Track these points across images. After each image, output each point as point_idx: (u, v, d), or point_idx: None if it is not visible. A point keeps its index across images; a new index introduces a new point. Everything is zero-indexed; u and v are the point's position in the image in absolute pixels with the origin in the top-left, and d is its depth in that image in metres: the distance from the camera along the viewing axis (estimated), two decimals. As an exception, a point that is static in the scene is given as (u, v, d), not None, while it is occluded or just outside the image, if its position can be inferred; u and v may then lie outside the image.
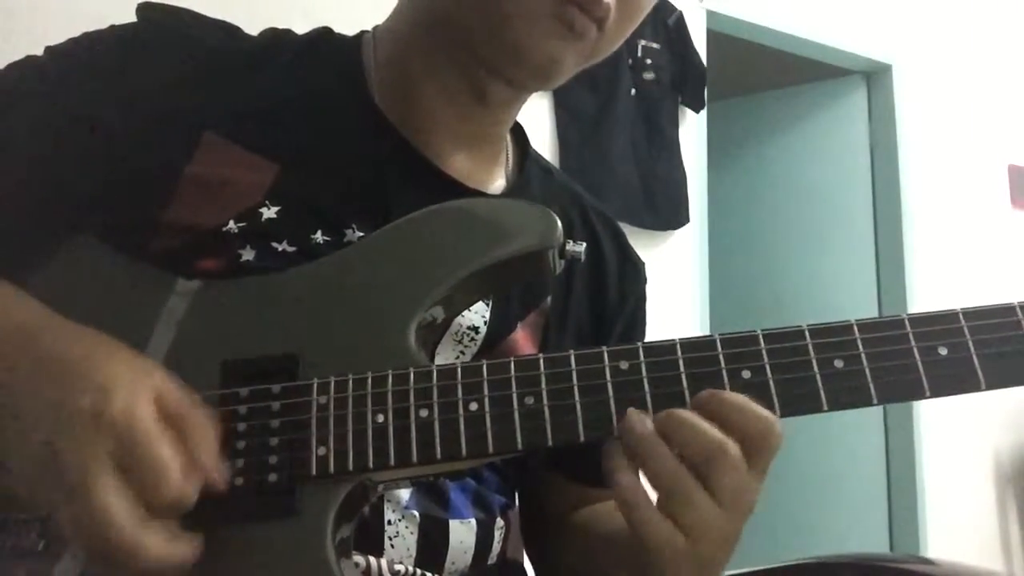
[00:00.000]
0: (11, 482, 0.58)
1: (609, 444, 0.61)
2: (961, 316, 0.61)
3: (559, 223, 0.69)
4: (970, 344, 0.60)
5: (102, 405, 0.56)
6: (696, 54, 3.38)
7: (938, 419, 3.73)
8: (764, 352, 0.61)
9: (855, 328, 0.61)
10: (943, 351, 0.60)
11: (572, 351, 0.63)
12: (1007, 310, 0.61)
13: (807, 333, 0.61)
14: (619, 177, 3.12)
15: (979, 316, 0.61)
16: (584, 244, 0.71)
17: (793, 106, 4.30)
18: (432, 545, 0.75)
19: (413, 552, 0.74)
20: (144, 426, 0.56)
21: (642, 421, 0.60)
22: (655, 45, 3.29)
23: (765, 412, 0.59)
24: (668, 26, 3.32)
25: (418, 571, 0.74)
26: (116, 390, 0.57)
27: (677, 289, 3.21)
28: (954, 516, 3.77)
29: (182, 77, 0.77)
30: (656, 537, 0.59)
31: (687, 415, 0.59)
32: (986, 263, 4.03)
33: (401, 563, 0.73)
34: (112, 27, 0.80)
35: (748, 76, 4.24)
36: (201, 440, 0.59)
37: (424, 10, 0.80)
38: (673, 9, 3.32)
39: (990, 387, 0.59)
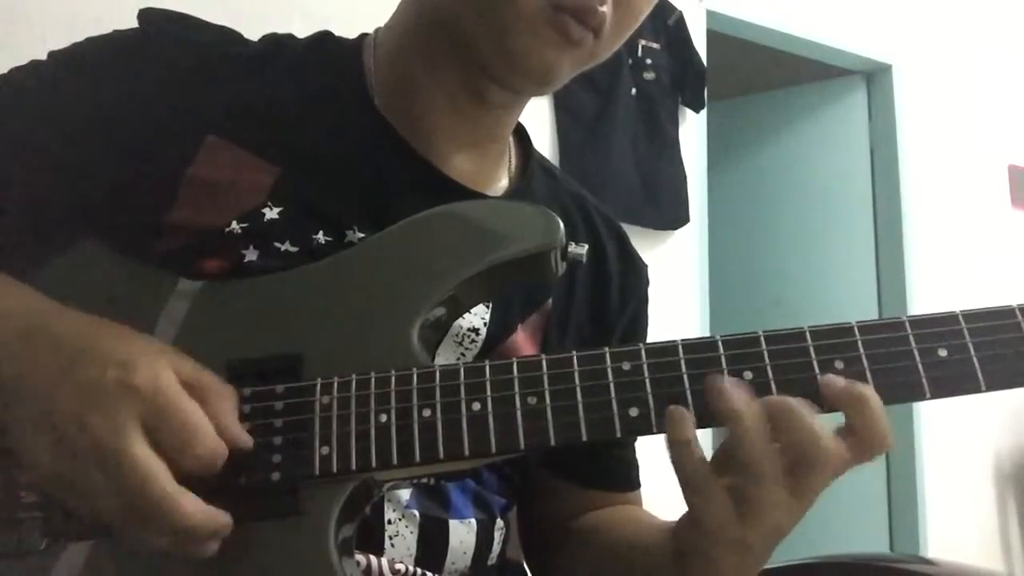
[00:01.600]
0: (30, 468, 0.59)
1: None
2: (961, 318, 0.61)
3: (561, 225, 0.70)
4: (970, 346, 0.60)
5: (126, 376, 0.57)
6: (696, 54, 3.38)
7: (938, 419, 3.74)
8: (765, 353, 0.61)
9: (856, 330, 0.61)
10: (943, 353, 0.60)
11: (574, 352, 0.63)
12: (1007, 312, 0.61)
13: (808, 335, 0.61)
14: (619, 177, 3.12)
15: (979, 318, 0.61)
16: (586, 246, 0.71)
17: (793, 106, 4.30)
18: (432, 545, 0.75)
19: (413, 551, 0.74)
20: (171, 391, 0.58)
21: (746, 403, 0.58)
22: (655, 45, 3.29)
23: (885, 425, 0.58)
24: (668, 26, 3.33)
25: (418, 570, 0.74)
26: (138, 362, 0.58)
27: (677, 289, 3.21)
28: (954, 516, 3.77)
29: (184, 81, 0.77)
30: (714, 509, 0.58)
31: (804, 411, 0.58)
32: (986, 263, 4.04)
33: (401, 562, 0.73)
34: (115, 32, 0.80)
35: (748, 76, 4.24)
36: (223, 402, 0.60)
37: (423, 14, 0.80)
38: (673, 9, 3.32)
39: (990, 388, 0.59)
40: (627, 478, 0.91)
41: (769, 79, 4.24)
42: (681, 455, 0.59)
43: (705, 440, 0.59)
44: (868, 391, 0.58)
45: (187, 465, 0.57)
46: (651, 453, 0.90)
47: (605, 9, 0.73)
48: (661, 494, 0.90)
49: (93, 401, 0.57)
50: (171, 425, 0.57)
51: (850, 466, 0.59)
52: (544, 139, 3.04)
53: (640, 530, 0.80)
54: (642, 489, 0.93)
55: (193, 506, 0.56)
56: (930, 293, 3.85)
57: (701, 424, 0.60)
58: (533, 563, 0.92)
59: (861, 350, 0.60)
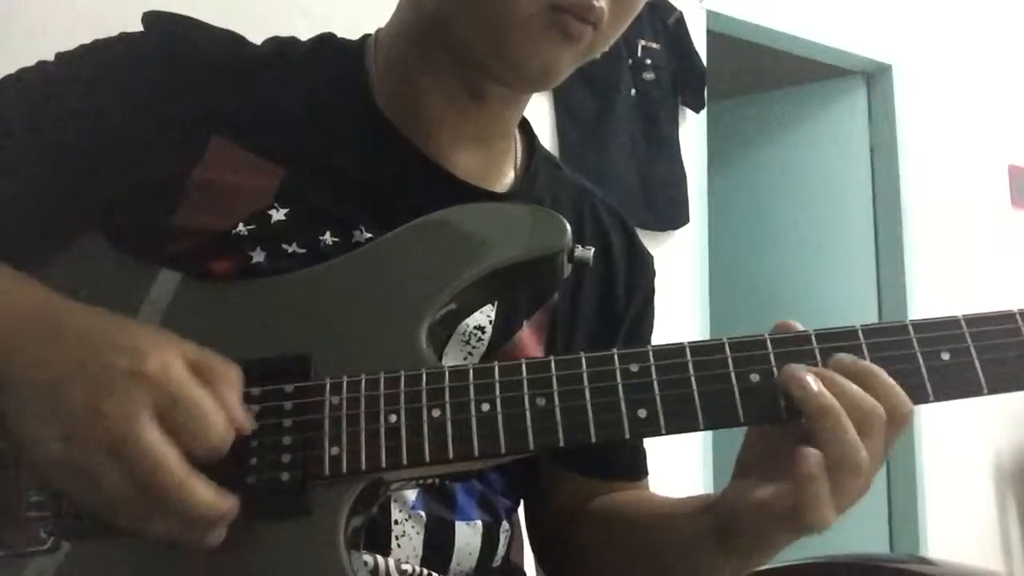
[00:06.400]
0: (39, 462, 0.59)
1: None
2: (963, 322, 0.62)
3: (568, 228, 0.70)
4: (972, 350, 0.61)
5: (137, 364, 0.58)
6: (696, 54, 3.38)
7: (938, 419, 3.74)
8: (771, 356, 0.62)
9: (860, 333, 0.62)
10: (946, 356, 0.61)
11: (583, 353, 0.63)
12: (1007, 317, 0.62)
13: (813, 338, 0.62)
14: (619, 177, 3.12)
15: (980, 323, 0.62)
16: (592, 249, 0.72)
17: (793, 106, 4.30)
18: (438, 546, 0.76)
19: (419, 552, 0.75)
20: (182, 378, 0.58)
21: (818, 383, 0.59)
22: (655, 45, 3.28)
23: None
24: (668, 26, 3.32)
25: (424, 571, 0.74)
26: (148, 349, 0.59)
27: (677, 289, 3.21)
28: (954, 516, 3.77)
29: (188, 83, 0.78)
30: (819, 513, 0.59)
31: (848, 382, 0.59)
32: (986, 263, 4.04)
33: (407, 563, 0.73)
34: (121, 35, 0.81)
35: (748, 76, 4.24)
36: (229, 387, 0.61)
37: (420, 15, 0.80)
38: (673, 9, 3.31)
39: (992, 392, 0.60)
40: (636, 467, 0.91)
41: (769, 79, 4.24)
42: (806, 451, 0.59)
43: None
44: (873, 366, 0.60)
45: (199, 450, 0.58)
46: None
47: (602, 3, 0.73)
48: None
49: (105, 390, 0.57)
50: (183, 412, 0.57)
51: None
52: (544, 139, 3.00)
53: (663, 509, 0.80)
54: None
55: (205, 490, 0.57)
56: (930, 293, 3.85)
57: (708, 425, 0.61)
58: (547, 560, 0.91)
59: (865, 353, 0.61)
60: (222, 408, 0.59)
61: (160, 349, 0.59)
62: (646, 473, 0.91)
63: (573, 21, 0.73)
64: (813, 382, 0.59)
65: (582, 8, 0.72)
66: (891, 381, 0.60)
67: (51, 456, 0.58)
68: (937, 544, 3.69)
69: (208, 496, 0.57)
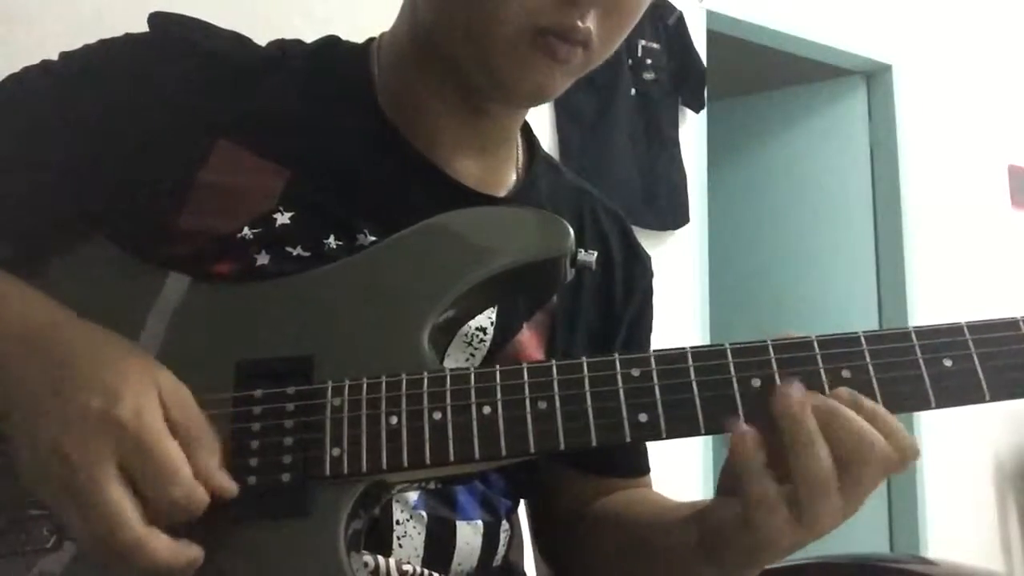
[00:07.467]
0: (22, 479, 0.59)
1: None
2: (966, 329, 0.61)
3: (571, 232, 0.70)
4: (975, 357, 0.60)
5: (110, 406, 0.57)
6: (696, 54, 3.39)
7: (938, 419, 3.72)
8: (773, 361, 0.61)
9: (862, 339, 0.62)
10: (948, 363, 0.60)
11: (584, 358, 0.63)
12: (1011, 324, 0.62)
13: (815, 344, 0.62)
14: (619, 177, 3.12)
15: (983, 329, 0.61)
16: (595, 254, 0.72)
17: (793, 106, 4.30)
18: (439, 545, 0.76)
19: (420, 552, 0.75)
20: (154, 428, 0.58)
21: (803, 405, 0.58)
22: (655, 45, 3.29)
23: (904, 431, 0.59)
24: (668, 26, 3.33)
25: (425, 571, 0.75)
26: (125, 392, 0.58)
27: (677, 289, 3.21)
28: (954, 516, 3.77)
29: (194, 85, 0.77)
30: (771, 524, 0.58)
31: (851, 413, 0.58)
32: (986, 263, 4.04)
33: (409, 563, 0.73)
34: (126, 35, 0.81)
35: (748, 76, 4.24)
36: (204, 448, 0.60)
37: (416, 32, 0.80)
38: (673, 9, 3.32)
39: (994, 399, 0.60)
40: (637, 465, 0.91)
41: (769, 79, 4.24)
42: (750, 473, 0.59)
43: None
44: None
45: (162, 507, 0.57)
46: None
47: (589, 24, 0.73)
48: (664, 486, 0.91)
49: (73, 430, 0.57)
50: (148, 465, 0.57)
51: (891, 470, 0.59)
52: (544, 140, 3.00)
53: (659, 513, 0.80)
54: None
55: (162, 548, 0.56)
56: (930, 294, 3.85)
57: (709, 430, 0.61)
58: (549, 558, 0.92)
59: (868, 359, 0.61)
60: (192, 467, 0.58)
61: (138, 392, 0.59)
62: (648, 470, 0.92)
63: (560, 43, 0.72)
64: (797, 391, 0.59)
65: (567, 29, 0.72)
66: (894, 422, 0.59)
67: (24, 478, 0.59)
68: (937, 544, 3.69)
69: (165, 553, 0.56)
